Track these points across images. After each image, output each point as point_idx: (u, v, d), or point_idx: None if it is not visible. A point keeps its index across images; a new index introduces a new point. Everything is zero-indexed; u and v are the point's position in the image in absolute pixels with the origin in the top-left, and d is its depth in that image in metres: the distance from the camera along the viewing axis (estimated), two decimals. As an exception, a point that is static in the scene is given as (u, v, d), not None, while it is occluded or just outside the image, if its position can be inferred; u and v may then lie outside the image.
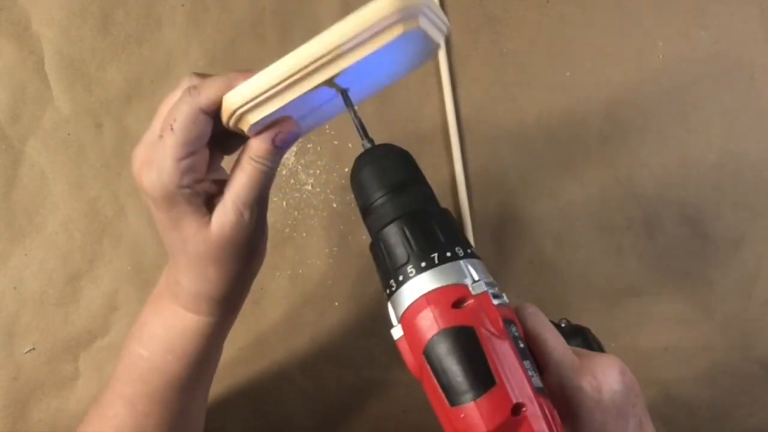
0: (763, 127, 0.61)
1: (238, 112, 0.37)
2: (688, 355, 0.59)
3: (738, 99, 0.61)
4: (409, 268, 0.34)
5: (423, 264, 0.34)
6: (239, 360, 0.56)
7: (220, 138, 0.39)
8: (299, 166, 0.58)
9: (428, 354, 0.32)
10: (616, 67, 0.60)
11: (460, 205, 0.58)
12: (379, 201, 0.36)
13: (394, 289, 0.35)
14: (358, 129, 0.38)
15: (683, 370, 0.59)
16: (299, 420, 0.56)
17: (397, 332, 0.34)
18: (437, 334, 0.32)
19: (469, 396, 0.31)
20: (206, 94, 0.37)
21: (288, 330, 0.57)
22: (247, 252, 0.40)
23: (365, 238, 0.58)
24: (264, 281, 0.57)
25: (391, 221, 0.35)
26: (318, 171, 0.58)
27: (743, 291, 0.61)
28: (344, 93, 0.39)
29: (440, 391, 0.32)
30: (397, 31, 0.35)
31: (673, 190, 0.60)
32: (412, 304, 0.33)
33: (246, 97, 0.36)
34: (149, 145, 0.38)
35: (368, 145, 0.38)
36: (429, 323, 0.33)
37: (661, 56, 0.61)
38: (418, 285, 0.34)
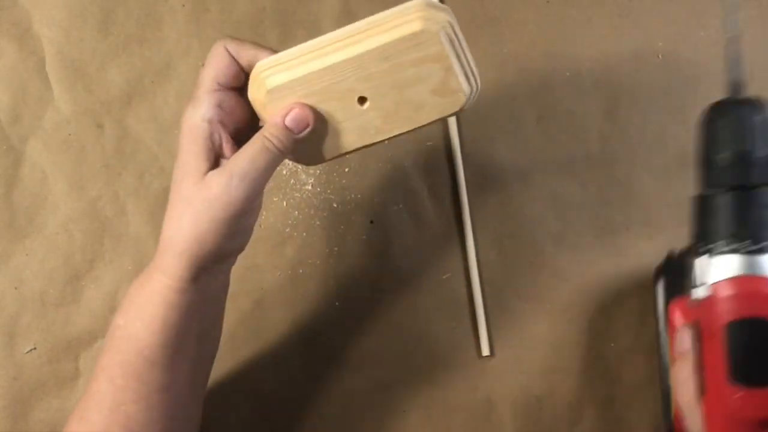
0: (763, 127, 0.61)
1: (261, 75, 0.40)
2: (688, 355, 0.59)
3: (738, 99, 0.61)
4: (742, 243, 0.34)
5: (760, 246, 0.34)
6: (239, 360, 0.56)
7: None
8: (299, 167, 0.58)
9: (731, 330, 0.33)
10: (616, 67, 0.60)
11: (460, 205, 0.58)
12: (755, 157, 0.36)
13: (714, 251, 0.35)
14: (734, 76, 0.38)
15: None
16: (299, 420, 0.56)
17: (699, 292, 0.35)
18: (748, 318, 0.33)
19: (755, 381, 0.32)
20: (235, 41, 0.41)
21: (288, 330, 0.57)
22: (226, 218, 0.40)
23: (365, 238, 0.58)
24: (264, 281, 0.57)
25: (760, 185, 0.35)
26: (318, 171, 0.58)
27: (743, 291, 0.61)
28: None
29: (725, 364, 0.33)
30: (415, 26, 0.38)
31: (672, 190, 0.60)
32: (733, 278, 0.34)
33: (270, 62, 0.40)
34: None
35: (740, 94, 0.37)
36: (744, 303, 0.33)
37: (660, 56, 0.61)
38: (746, 263, 0.34)
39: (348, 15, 0.59)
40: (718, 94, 0.61)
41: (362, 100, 0.41)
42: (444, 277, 0.58)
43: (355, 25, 0.39)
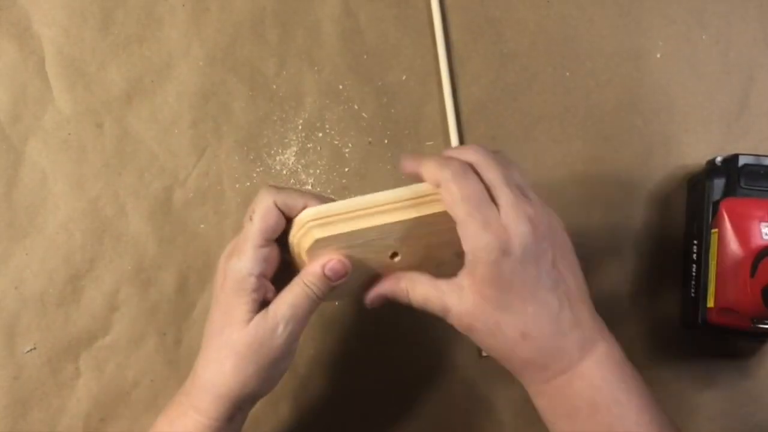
0: (763, 128, 0.61)
1: (309, 224, 0.42)
2: (689, 354, 0.59)
3: (737, 99, 0.61)
4: None
5: None
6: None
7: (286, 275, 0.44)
8: (299, 166, 0.58)
9: None
10: (616, 67, 0.60)
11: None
12: None
13: None
14: None
15: (684, 368, 0.59)
16: (299, 417, 0.56)
17: None
18: None
19: None
20: (282, 192, 0.43)
21: (288, 330, 0.57)
22: (269, 362, 0.43)
23: (365, 237, 0.58)
24: (264, 281, 0.57)
25: None
26: (318, 171, 0.58)
27: (743, 291, 0.61)
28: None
29: None
30: None
31: (673, 190, 0.60)
32: None
33: (319, 213, 0.42)
34: (238, 239, 0.43)
35: None
36: None
37: (660, 56, 0.61)
38: None
39: (348, 16, 0.59)
40: (718, 94, 0.61)
41: (394, 255, 0.44)
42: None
43: (405, 190, 0.42)
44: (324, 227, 0.42)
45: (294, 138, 0.58)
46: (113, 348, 0.55)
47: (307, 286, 0.43)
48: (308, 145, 0.58)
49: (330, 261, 0.43)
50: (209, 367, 0.43)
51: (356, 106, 0.59)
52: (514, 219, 0.39)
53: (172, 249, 0.56)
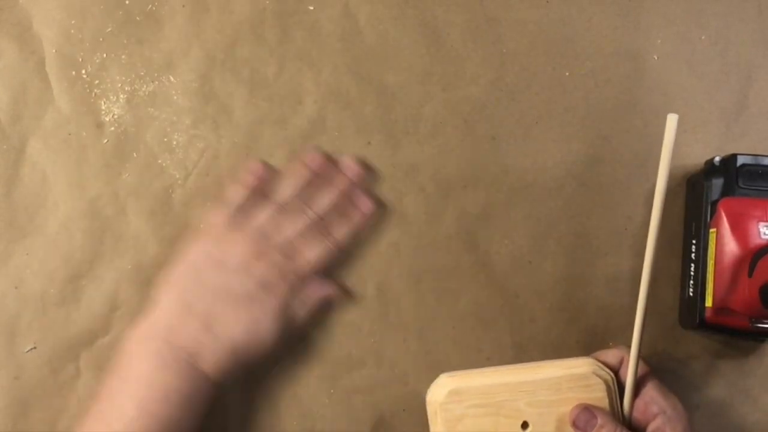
0: (761, 128, 0.61)
1: (444, 380, 0.51)
2: (687, 354, 0.59)
3: (736, 99, 0.61)
4: None
5: None
6: (240, 359, 0.56)
7: None
8: (299, 166, 0.58)
9: None
10: (616, 67, 0.61)
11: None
12: None
13: None
14: None
15: (683, 368, 0.59)
16: (299, 417, 0.56)
17: None
18: None
19: None
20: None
21: (288, 329, 0.57)
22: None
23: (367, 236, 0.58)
24: (264, 281, 0.57)
25: None
26: (318, 171, 0.58)
27: (742, 290, 0.61)
28: None
29: None
30: (587, 369, 0.50)
31: (671, 190, 0.60)
32: None
33: (454, 372, 0.52)
34: None
35: None
36: None
37: (659, 56, 0.61)
38: None
39: (348, 16, 0.59)
40: (716, 94, 0.61)
41: (525, 425, 0.47)
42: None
43: (533, 362, 0.49)
44: (457, 380, 0.48)
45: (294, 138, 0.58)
46: (113, 348, 0.55)
47: None
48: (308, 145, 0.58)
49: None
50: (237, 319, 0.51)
51: (356, 106, 0.59)
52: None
53: (172, 249, 0.56)
